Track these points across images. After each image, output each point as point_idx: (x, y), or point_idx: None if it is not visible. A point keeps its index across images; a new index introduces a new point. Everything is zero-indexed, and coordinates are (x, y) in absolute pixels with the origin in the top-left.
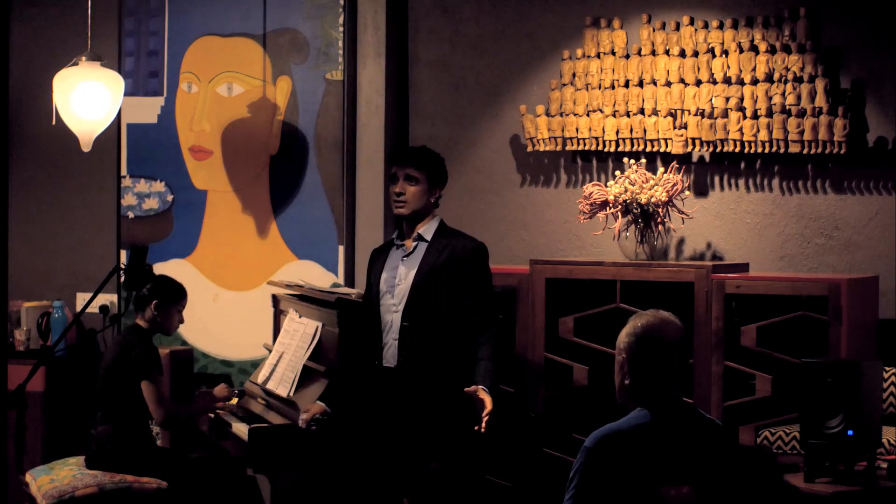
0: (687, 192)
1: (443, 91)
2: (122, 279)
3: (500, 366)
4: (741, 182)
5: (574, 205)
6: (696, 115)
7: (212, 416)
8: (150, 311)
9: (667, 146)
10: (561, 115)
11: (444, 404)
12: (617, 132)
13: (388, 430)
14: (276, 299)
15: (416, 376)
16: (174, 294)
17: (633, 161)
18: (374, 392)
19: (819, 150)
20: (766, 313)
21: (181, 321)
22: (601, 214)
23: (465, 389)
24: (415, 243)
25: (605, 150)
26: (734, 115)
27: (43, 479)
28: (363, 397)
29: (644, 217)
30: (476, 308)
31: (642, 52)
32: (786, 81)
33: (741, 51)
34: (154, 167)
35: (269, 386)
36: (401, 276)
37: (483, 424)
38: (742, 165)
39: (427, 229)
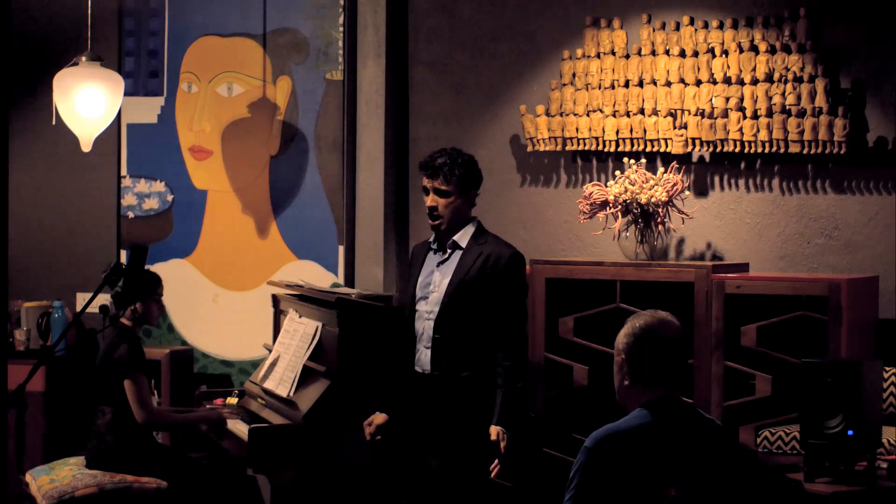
0: (687, 192)
1: (443, 91)
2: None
3: (521, 386)
4: (741, 182)
5: (574, 205)
6: (696, 115)
7: None
8: (130, 309)
9: (667, 146)
10: (561, 115)
11: (466, 411)
12: (617, 132)
13: (412, 433)
14: (276, 299)
15: (448, 387)
16: (151, 287)
17: (633, 161)
18: (407, 396)
19: (819, 150)
20: (765, 313)
21: (161, 307)
22: (601, 214)
23: (491, 438)
24: (450, 250)
25: (605, 150)
26: (734, 115)
27: (43, 479)
28: (398, 401)
29: (644, 217)
30: (503, 319)
31: (642, 52)
32: (786, 81)
33: (741, 51)
34: (154, 167)
35: (269, 386)
36: (435, 284)
37: (495, 470)
38: (742, 165)
39: (462, 235)
